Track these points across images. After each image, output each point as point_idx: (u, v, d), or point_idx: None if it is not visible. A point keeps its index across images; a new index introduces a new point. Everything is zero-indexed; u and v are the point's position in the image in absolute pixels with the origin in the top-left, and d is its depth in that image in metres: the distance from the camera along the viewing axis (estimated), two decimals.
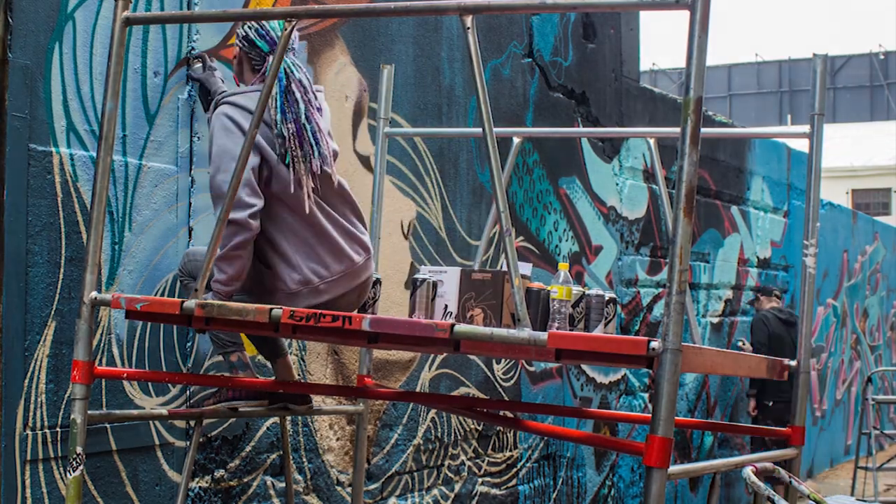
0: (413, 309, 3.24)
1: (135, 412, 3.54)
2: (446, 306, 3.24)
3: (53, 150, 3.41)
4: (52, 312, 3.41)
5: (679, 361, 2.42)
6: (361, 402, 4.19)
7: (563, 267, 3.09)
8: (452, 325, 2.72)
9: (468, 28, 2.71)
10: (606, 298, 3.15)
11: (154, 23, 3.73)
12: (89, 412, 3.16)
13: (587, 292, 3.13)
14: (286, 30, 2.96)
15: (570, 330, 3.05)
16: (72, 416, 3.11)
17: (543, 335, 2.60)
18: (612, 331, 3.19)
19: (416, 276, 3.28)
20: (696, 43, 2.44)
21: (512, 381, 5.74)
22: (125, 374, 3.46)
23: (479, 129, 4.52)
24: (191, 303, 3.02)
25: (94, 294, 3.13)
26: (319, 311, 2.91)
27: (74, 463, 3.08)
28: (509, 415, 4.99)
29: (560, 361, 2.79)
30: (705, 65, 2.46)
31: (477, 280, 3.20)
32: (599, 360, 2.81)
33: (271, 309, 2.93)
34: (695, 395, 7.99)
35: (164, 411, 3.51)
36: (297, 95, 3.41)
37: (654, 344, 2.44)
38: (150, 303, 3.16)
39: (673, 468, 2.51)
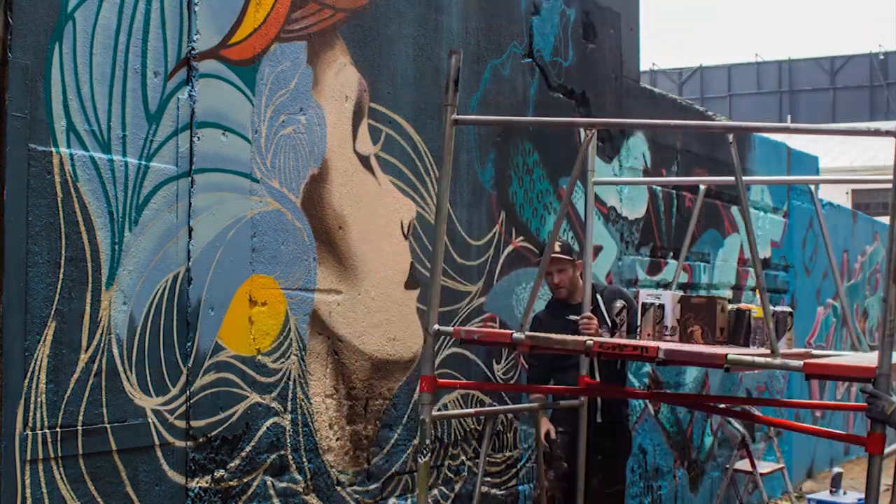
0: (643, 327, 4.28)
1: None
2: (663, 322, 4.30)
3: (53, 150, 3.41)
4: (52, 312, 3.41)
5: None
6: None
7: (758, 311, 4.19)
8: (726, 355, 3.55)
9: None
10: (787, 312, 4.16)
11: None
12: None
13: (775, 309, 4.04)
14: None
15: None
16: (421, 417, 4.08)
17: (798, 363, 3.53)
18: (792, 341, 4.20)
19: (644, 301, 4.26)
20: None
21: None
22: (458, 385, 4.27)
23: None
24: (520, 335, 4.05)
25: (436, 326, 4.11)
26: (623, 342, 4.01)
27: (423, 452, 4.06)
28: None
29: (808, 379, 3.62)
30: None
31: (695, 304, 4.27)
32: (835, 379, 3.88)
33: (586, 341, 3.98)
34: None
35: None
36: None
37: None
38: (486, 335, 4.35)
39: None
